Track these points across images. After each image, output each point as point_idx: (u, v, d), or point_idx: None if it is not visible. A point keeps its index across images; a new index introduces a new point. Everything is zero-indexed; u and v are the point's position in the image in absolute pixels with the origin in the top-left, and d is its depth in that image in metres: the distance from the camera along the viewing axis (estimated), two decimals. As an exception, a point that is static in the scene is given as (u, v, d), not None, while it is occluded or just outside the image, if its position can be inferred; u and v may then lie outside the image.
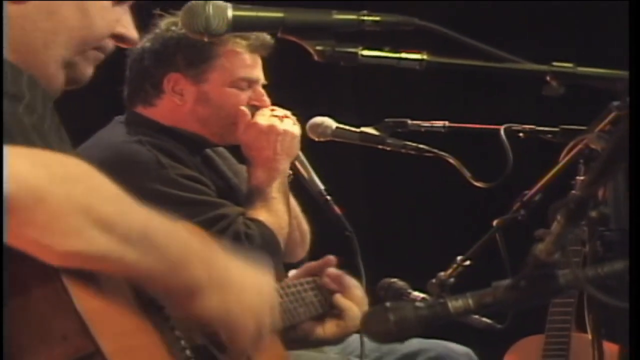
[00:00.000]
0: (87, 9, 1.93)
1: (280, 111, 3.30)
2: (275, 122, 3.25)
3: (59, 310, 1.59)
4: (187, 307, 1.78)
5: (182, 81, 3.28)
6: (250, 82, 3.30)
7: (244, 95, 3.29)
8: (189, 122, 3.29)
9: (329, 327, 2.87)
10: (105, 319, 1.64)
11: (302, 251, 3.42)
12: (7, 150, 1.56)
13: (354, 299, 2.88)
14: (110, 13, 1.97)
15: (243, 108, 3.27)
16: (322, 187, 3.28)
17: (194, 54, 3.25)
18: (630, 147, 1.48)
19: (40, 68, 1.86)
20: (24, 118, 1.73)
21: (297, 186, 3.33)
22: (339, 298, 2.87)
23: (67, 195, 1.58)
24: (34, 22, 1.88)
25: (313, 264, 3.06)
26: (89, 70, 1.98)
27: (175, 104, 3.28)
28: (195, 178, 3.18)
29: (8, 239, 1.57)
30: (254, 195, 3.22)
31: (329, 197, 3.26)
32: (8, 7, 1.87)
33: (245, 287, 1.85)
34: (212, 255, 1.82)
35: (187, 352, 1.84)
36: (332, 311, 2.89)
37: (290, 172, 3.29)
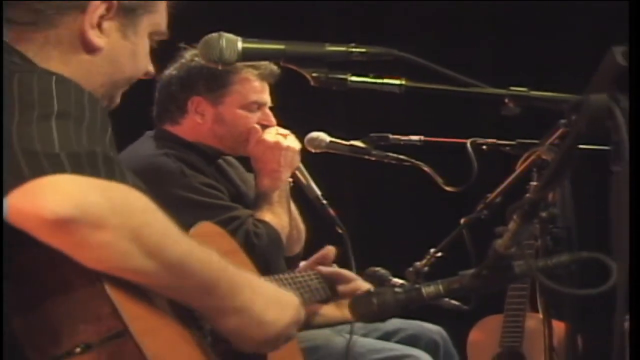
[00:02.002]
0: (137, 54, 1.91)
1: (284, 130, 3.29)
2: (280, 139, 3.24)
3: (94, 296, 1.58)
4: (209, 320, 1.78)
5: (203, 103, 3.26)
6: (260, 105, 3.28)
7: (254, 116, 3.28)
8: (208, 138, 3.28)
9: (344, 310, 2.88)
10: (133, 303, 1.63)
11: (298, 247, 3.42)
12: (82, 178, 1.55)
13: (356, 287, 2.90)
14: (147, 53, 1.95)
15: (256, 125, 3.26)
16: (319, 192, 3.27)
17: (214, 80, 3.24)
18: (630, 147, 1.47)
19: None
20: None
21: (296, 192, 3.31)
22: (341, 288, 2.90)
23: (123, 225, 1.58)
24: (99, 67, 1.87)
25: (316, 255, 3.05)
26: (119, 99, 1.97)
27: (197, 123, 3.27)
28: (212, 185, 3.17)
29: (58, 245, 1.57)
30: (260, 200, 3.20)
31: (324, 202, 3.25)
32: (74, 57, 1.84)
33: (268, 308, 1.80)
34: (239, 284, 1.77)
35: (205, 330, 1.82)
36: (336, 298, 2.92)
37: (291, 180, 3.28)
